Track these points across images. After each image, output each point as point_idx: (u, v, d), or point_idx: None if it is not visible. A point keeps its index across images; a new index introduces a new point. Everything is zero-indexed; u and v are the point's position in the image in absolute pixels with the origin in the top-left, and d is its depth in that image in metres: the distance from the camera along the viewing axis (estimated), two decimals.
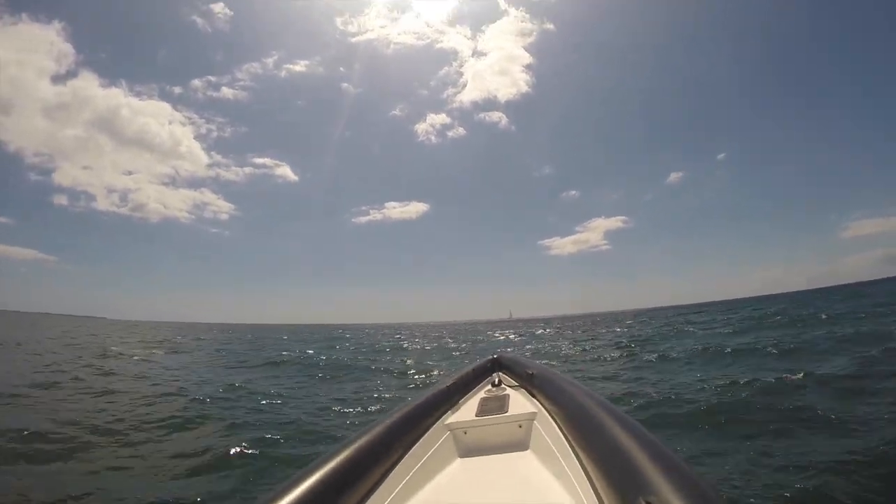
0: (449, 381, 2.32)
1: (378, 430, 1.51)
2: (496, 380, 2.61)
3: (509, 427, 1.95)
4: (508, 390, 2.41)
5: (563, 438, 1.56)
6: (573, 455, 1.40)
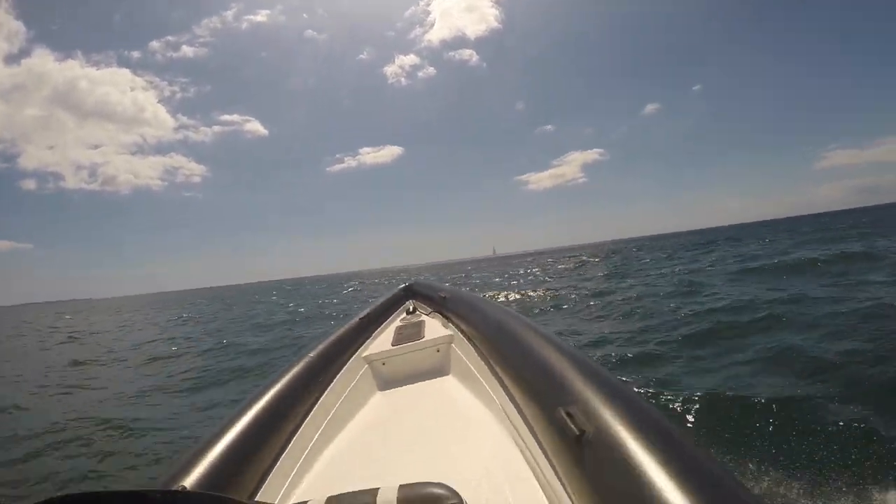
0: (363, 313, 2.28)
1: (295, 369, 1.50)
2: (410, 307, 2.60)
3: (427, 353, 1.94)
4: (423, 316, 2.40)
5: (481, 358, 1.57)
6: (492, 374, 1.42)
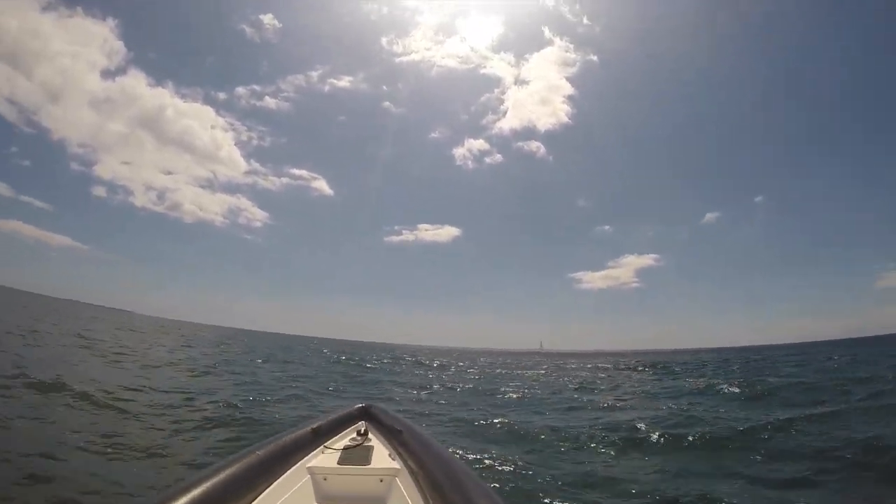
0: (314, 424, 2.31)
1: (237, 465, 1.52)
2: (362, 429, 2.55)
3: (370, 480, 1.97)
4: (374, 441, 2.39)
5: (423, 500, 1.60)
6: None
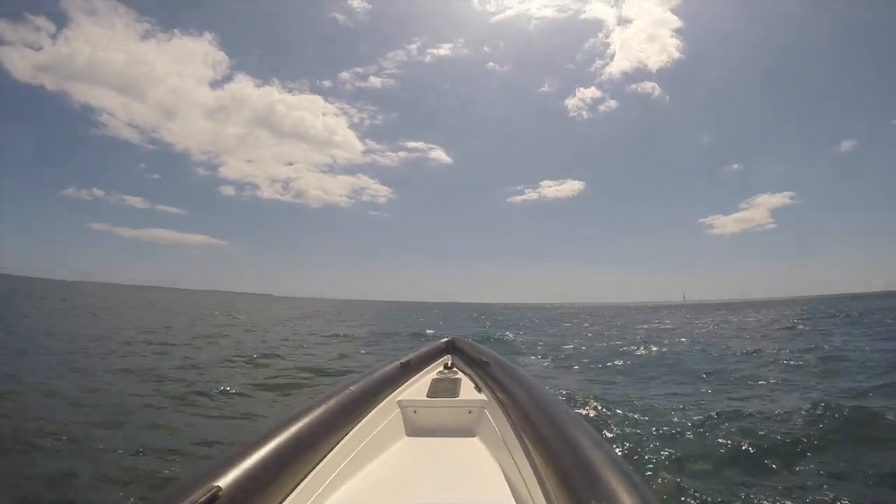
0: (403, 359, 2.37)
1: (333, 399, 1.57)
2: (449, 362, 2.67)
3: (459, 412, 2.01)
4: (460, 375, 2.45)
5: (513, 431, 1.58)
6: (521, 448, 1.43)
